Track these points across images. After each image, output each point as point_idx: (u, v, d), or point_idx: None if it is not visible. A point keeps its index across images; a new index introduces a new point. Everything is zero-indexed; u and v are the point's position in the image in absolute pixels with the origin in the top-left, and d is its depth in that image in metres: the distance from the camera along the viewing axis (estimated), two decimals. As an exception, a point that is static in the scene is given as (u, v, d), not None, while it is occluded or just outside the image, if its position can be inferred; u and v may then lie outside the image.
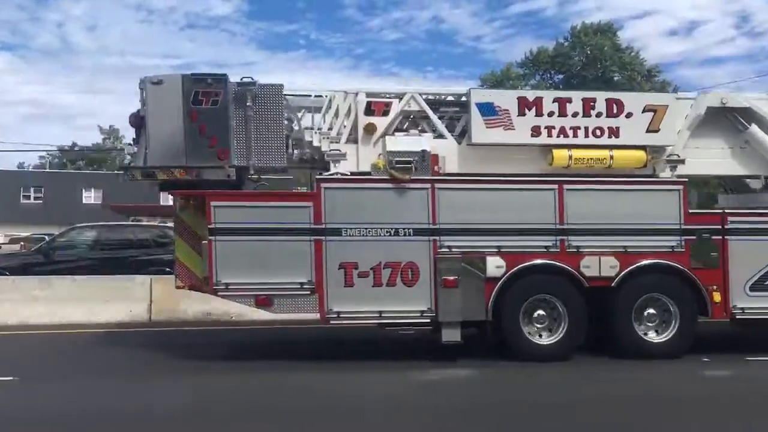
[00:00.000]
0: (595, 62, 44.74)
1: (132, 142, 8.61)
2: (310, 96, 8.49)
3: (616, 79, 43.16)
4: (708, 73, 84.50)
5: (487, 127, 8.45)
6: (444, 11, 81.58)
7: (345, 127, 8.24)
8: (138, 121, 8.33)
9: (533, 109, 8.50)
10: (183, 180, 8.14)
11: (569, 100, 8.17)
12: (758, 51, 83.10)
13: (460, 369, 7.78)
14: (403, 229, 7.69)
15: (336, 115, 8.60)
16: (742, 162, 8.55)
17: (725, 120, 8.52)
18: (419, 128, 8.55)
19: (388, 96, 8.37)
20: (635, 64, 45.24)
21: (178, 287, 8.54)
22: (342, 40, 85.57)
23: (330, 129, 8.32)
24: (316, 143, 8.18)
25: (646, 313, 8.49)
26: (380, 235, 7.73)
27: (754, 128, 8.44)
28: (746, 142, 8.52)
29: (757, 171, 8.64)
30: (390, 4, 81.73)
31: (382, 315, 7.77)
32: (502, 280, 7.90)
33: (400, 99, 8.67)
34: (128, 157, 8.53)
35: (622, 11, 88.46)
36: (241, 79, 8.29)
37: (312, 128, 8.35)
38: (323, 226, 7.67)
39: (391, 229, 7.69)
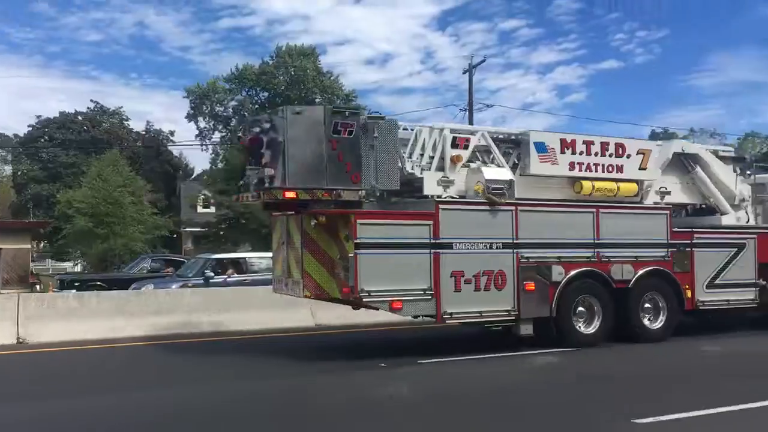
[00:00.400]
0: (298, 83, 48.17)
1: (251, 165, 9.61)
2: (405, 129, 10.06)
3: (317, 100, 46.78)
4: (398, 101, 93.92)
5: (540, 162, 10.68)
6: (149, 17, 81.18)
7: (432, 157, 9.85)
8: (257, 144, 9.31)
9: (569, 149, 10.90)
10: (308, 199, 9.49)
11: (592, 143, 10.74)
12: (440, 84, 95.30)
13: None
14: (496, 243, 9.64)
15: (423, 146, 10.18)
16: (688, 193, 12.22)
17: (680, 162, 11.75)
18: (481, 160, 10.63)
19: (464, 133, 10.50)
20: (335, 88, 50.09)
21: (305, 296, 9.86)
22: (31, 35, 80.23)
23: (420, 157, 10.06)
24: (409, 170, 9.84)
25: (645, 306, 10.87)
26: (480, 248, 9.47)
27: (698, 170, 11.79)
28: (692, 179, 11.81)
29: (697, 200, 11.98)
30: (89, 3, 78.66)
31: (482, 314, 9.51)
32: (561, 284, 9.95)
33: (473, 135, 10.54)
34: (253, 178, 9.57)
35: (327, 36, 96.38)
36: (370, 113, 9.93)
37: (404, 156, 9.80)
38: (440, 241, 9.25)
39: (488, 243, 9.58)
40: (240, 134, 11.49)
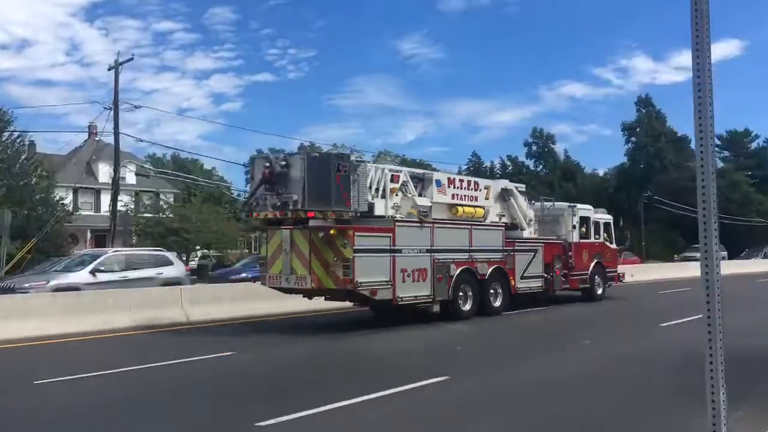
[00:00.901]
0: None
1: (270, 191, 13.83)
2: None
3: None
4: (37, 93, 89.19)
5: (438, 193, 15.93)
6: None
7: (377, 189, 14.67)
8: (275, 176, 13.76)
9: (452, 184, 16.82)
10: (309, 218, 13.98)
11: (462, 180, 17.19)
12: (88, 79, 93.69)
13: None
14: (422, 249, 14.68)
15: (371, 181, 14.66)
16: (507, 215, 18.75)
17: (503, 194, 18.17)
18: (402, 192, 15.54)
19: (396, 171, 15.54)
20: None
21: (311, 287, 14.22)
22: None
23: (371, 189, 14.47)
24: (370, 199, 14.53)
25: (491, 292, 16.82)
26: (415, 252, 14.53)
27: (512, 200, 18.20)
28: (508, 206, 18.23)
29: (509, 220, 18.56)
30: None
31: (416, 298, 14.53)
32: (454, 277, 15.42)
33: (401, 173, 15.66)
34: (272, 201, 13.90)
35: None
36: (358, 156, 14.66)
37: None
38: (396, 247, 14.14)
39: (419, 249, 14.58)
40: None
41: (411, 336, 13.36)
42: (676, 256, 53.68)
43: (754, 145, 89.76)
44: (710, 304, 3.61)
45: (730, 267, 35.42)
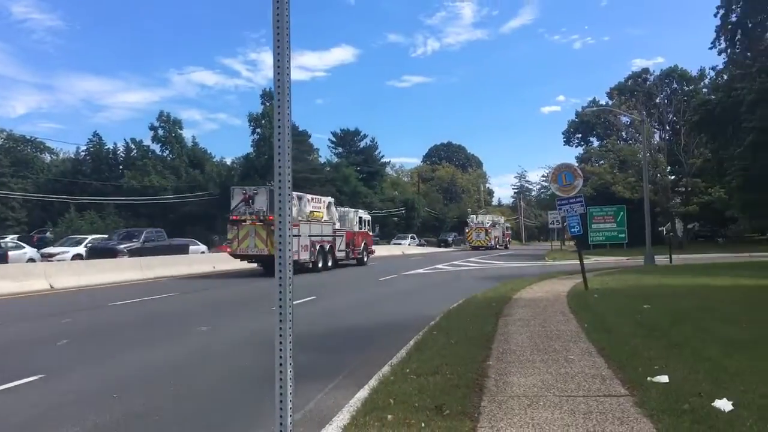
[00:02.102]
0: None
1: (248, 206, 28.73)
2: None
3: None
4: None
5: (307, 204, 29.74)
6: None
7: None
8: (251, 198, 28.66)
9: (312, 201, 30.85)
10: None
11: (314, 198, 31.57)
12: None
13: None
14: (305, 235, 29.98)
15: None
16: (329, 216, 31.49)
17: (329, 204, 32.36)
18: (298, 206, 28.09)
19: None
20: None
21: (269, 253, 24.72)
22: None
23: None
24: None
25: (330, 257, 31.56)
26: (304, 236, 29.33)
27: (332, 208, 32.76)
28: (330, 212, 31.72)
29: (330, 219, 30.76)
30: None
31: (305, 259, 29.54)
32: (317, 249, 31.66)
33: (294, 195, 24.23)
34: (248, 211, 28.42)
35: None
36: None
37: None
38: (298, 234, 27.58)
39: (305, 235, 29.90)
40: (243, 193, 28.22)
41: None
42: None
43: (362, 143, 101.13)
44: (282, 288, 3.90)
45: (391, 249, 58.22)
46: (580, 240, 18.72)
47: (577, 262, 17.85)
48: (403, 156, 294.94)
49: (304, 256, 29.62)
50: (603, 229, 53.24)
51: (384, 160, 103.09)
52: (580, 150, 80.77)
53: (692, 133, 50.47)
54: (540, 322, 11.13)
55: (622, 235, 52.30)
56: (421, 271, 30.95)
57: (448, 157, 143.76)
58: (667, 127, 63.68)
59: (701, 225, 70.15)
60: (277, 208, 4.08)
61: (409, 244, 69.05)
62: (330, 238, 32.66)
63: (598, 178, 60.16)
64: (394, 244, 69.21)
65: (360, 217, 38.76)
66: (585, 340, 9.26)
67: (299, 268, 28.60)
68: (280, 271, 4.00)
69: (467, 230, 77.38)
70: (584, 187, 50.67)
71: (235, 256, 28.69)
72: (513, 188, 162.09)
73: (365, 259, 38.04)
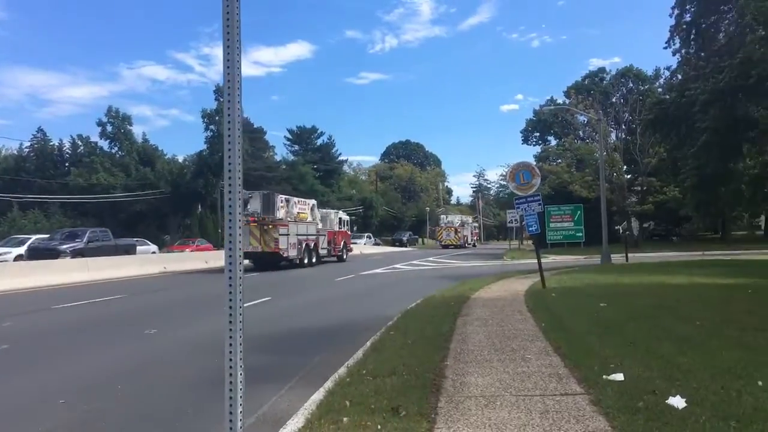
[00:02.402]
0: None
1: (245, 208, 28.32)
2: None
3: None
4: None
5: (294, 206, 33.18)
6: None
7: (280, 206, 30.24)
8: (245, 201, 31.86)
9: (298, 203, 34.95)
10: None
11: (300, 201, 36.30)
12: None
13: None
14: (294, 234, 33.33)
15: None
16: (312, 217, 36.30)
17: (312, 206, 36.84)
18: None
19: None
20: None
21: (263, 250, 32.64)
22: None
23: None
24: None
25: (315, 254, 35.10)
26: (293, 235, 33.18)
27: (315, 210, 36.59)
28: (313, 213, 36.09)
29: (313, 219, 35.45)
30: None
31: (296, 255, 34.14)
32: (303, 246, 35.04)
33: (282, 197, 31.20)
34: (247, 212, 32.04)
35: None
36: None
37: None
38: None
39: (294, 233, 33.16)
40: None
41: None
42: None
43: (319, 141, 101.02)
44: (232, 289, 3.82)
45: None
46: (538, 239, 19.05)
47: (535, 261, 18.19)
48: (360, 154, 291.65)
49: (293, 253, 33.34)
50: (560, 228, 54.11)
51: (341, 158, 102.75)
52: (538, 149, 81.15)
53: (647, 132, 50.32)
54: (498, 322, 11.24)
55: (580, 234, 53.25)
56: (379, 270, 31.17)
57: (407, 155, 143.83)
58: (623, 127, 63.73)
59: (656, 224, 71.84)
60: (227, 207, 4.04)
61: (365, 244, 69.45)
62: (314, 237, 36.85)
63: (555, 176, 60.52)
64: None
65: (340, 218, 43.41)
66: (542, 339, 9.38)
67: (289, 263, 33.50)
68: (230, 270, 3.91)
69: (437, 229, 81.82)
70: (542, 186, 50.38)
71: None
72: (472, 187, 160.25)
73: (344, 256, 42.73)
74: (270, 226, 32.56)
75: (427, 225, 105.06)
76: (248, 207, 32.37)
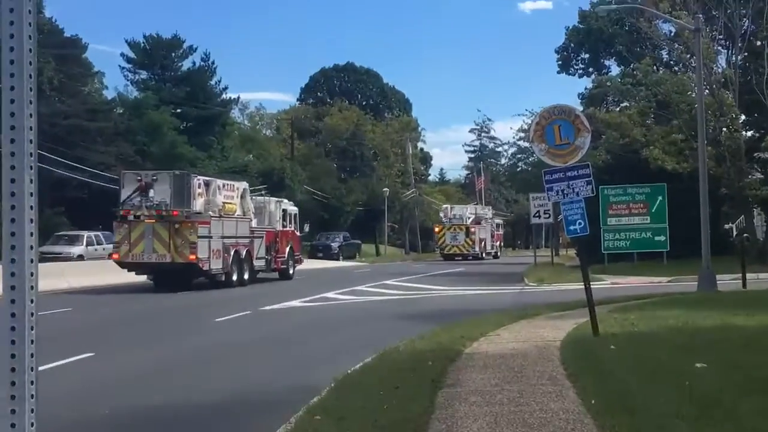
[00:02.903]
0: None
1: (144, 196, 24.47)
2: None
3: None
4: None
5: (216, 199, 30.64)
6: None
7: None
8: (147, 185, 24.41)
9: (225, 188, 28.85)
10: None
11: (232, 186, 31.22)
12: None
13: None
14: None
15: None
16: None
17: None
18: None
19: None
20: None
21: (171, 261, 24.63)
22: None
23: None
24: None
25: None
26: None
27: (263, 207, 33.34)
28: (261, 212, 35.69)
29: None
30: None
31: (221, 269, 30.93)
32: (231, 253, 29.23)
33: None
34: (145, 202, 24.00)
35: None
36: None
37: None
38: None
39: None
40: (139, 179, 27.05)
41: None
42: None
43: (185, 64, 69.88)
44: (18, 335, 2.37)
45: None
46: (586, 245, 15.41)
47: (580, 285, 14.29)
48: (263, 90, 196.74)
49: (216, 265, 27.26)
50: (627, 226, 38.15)
51: (227, 95, 72.94)
52: (586, 82, 57.55)
53: None
54: (513, 398, 8.52)
55: (662, 238, 38.07)
56: (297, 303, 23.04)
57: (348, 91, 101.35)
58: (741, 43, 43.18)
59: None
60: (6, 186, 2.48)
61: (79, 256, 50.95)
62: (247, 241, 29.48)
63: (618, 133, 42.58)
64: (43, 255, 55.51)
65: (284, 210, 35.04)
66: (594, 429, 7.03)
67: (210, 280, 27.94)
68: (14, 305, 2.39)
69: (437, 229, 58.70)
70: (594, 150, 35.51)
71: (123, 264, 27.74)
72: (468, 151, 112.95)
73: (291, 271, 34.61)
74: (184, 225, 25.98)
75: (385, 218, 76.90)
76: (151, 195, 25.65)
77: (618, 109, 45.50)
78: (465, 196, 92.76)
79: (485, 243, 55.20)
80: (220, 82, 63.55)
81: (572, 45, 55.08)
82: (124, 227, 24.77)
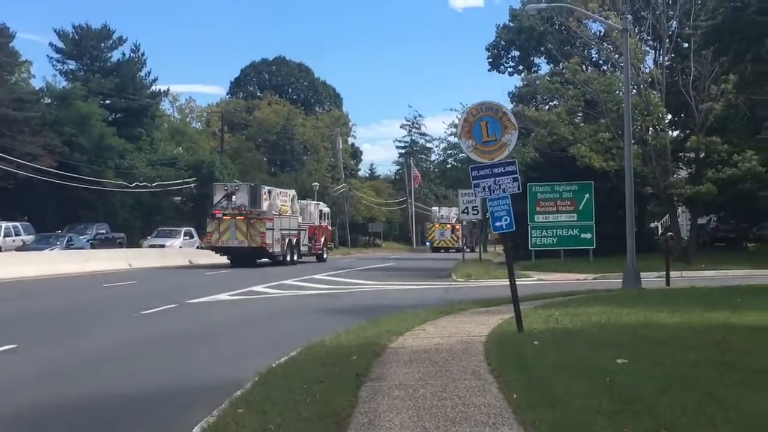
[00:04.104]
0: None
1: (230, 202, 40.71)
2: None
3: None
4: None
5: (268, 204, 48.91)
6: None
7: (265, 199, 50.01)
8: (232, 193, 39.63)
9: (280, 195, 48.86)
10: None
11: (283, 192, 50.81)
12: None
13: None
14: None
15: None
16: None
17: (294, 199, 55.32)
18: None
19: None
20: None
21: (249, 246, 38.26)
22: None
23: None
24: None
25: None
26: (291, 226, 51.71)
27: (305, 208, 53.68)
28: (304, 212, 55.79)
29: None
30: None
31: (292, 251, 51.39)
32: (293, 241, 45.74)
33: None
34: (231, 205, 38.88)
35: None
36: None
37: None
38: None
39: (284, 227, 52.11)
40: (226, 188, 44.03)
41: None
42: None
43: (115, 54, 69.23)
44: None
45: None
46: (511, 240, 15.10)
47: (506, 282, 13.45)
48: (193, 82, 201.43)
49: (277, 249, 38.84)
50: (554, 223, 39.08)
51: (157, 87, 72.69)
52: (516, 80, 60.39)
53: (708, 53, 34.83)
54: (436, 392, 8.54)
55: (588, 236, 39.10)
56: (224, 296, 23.37)
57: (279, 85, 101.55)
58: (668, 44, 43.08)
59: (721, 219, 53.71)
60: None
61: (179, 246, 50.88)
62: (296, 232, 41.92)
63: (546, 131, 42.53)
64: (151, 246, 50.85)
65: (320, 210, 48.92)
66: (514, 423, 7.09)
67: (272, 260, 39.05)
68: None
69: (429, 226, 76.21)
70: (522, 148, 37.21)
71: (214, 248, 39.63)
72: (398, 147, 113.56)
73: (325, 255, 48.37)
74: (256, 220, 38.04)
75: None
76: (234, 200, 37.51)
77: (547, 107, 46.06)
78: (395, 191, 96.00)
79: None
80: (149, 73, 65.90)
81: (503, 43, 55.60)
82: (214, 222, 37.53)
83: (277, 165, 78.99)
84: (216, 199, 38.17)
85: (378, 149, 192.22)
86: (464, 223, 58.53)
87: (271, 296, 23.92)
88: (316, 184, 71.60)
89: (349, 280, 31.02)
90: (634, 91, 33.63)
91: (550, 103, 46.75)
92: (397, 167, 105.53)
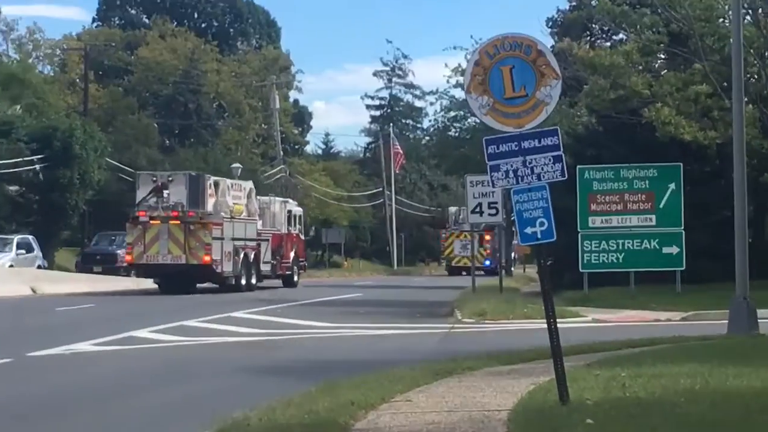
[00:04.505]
0: None
1: (161, 197, 31.26)
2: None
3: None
4: None
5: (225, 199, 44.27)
6: None
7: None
8: (163, 186, 30.26)
9: (233, 189, 38.03)
10: None
11: (240, 186, 43.51)
12: None
13: None
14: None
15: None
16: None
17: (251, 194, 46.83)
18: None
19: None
20: None
21: (185, 262, 30.84)
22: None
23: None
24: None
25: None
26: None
27: (267, 207, 40.94)
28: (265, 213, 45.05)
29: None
30: None
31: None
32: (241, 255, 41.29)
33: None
34: (161, 203, 30.65)
35: None
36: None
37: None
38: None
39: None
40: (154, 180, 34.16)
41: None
42: None
43: None
44: None
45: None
46: (551, 257, 12.53)
47: (542, 324, 10.12)
48: (41, 2, 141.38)
49: (228, 267, 28.50)
50: (620, 230, 28.33)
51: None
52: (559, 1, 44.44)
53: None
54: None
55: (674, 250, 27.72)
56: (88, 346, 16.40)
57: (178, 5, 73.88)
58: None
59: None
60: None
61: (10, 264, 38.17)
62: (254, 244, 30.63)
63: (608, 83, 30.11)
64: None
65: (289, 212, 35.75)
66: None
67: (220, 284, 28.85)
68: None
69: (443, 236, 53.00)
70: (569, 108, 28.15)
71: (137, 267, 29.27)
72: (370, 106, 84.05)
73: (296, 278, 35.04)
74: (198, 226, 27.61)
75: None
76: (167, 196, 27.42)
77: (609, 44, 33.79)
78: (365, 178, 69.87)
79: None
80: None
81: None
82: (137, 229, 27.42)
83: (175, 134, 57.09)
84: (140, 195, 27.12)
85: (337, 110, 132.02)
86: (495, 230, 41.34)
87: (165, 345, 17.02)
88: (237, 165, 48.91)
89: (290, 321, 22.24)
90: (749, 17, 23.49)
91: (614, 38, 33.92)
92: (369, 139, 76.31)
